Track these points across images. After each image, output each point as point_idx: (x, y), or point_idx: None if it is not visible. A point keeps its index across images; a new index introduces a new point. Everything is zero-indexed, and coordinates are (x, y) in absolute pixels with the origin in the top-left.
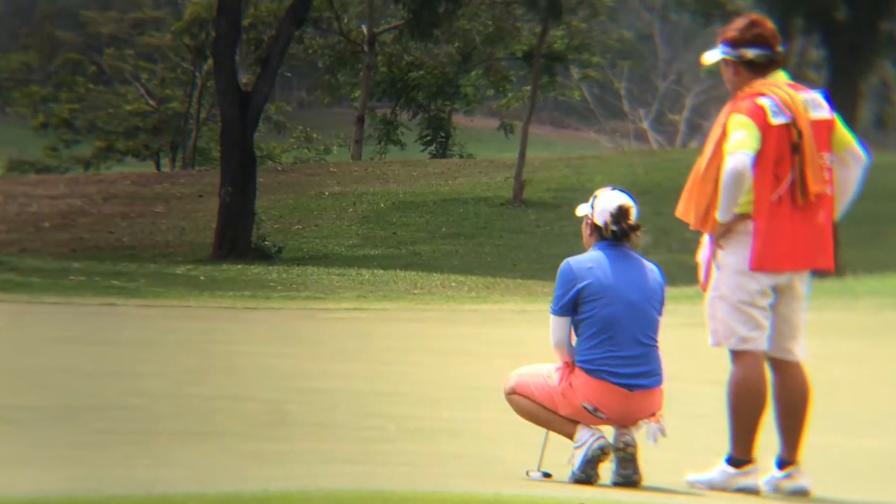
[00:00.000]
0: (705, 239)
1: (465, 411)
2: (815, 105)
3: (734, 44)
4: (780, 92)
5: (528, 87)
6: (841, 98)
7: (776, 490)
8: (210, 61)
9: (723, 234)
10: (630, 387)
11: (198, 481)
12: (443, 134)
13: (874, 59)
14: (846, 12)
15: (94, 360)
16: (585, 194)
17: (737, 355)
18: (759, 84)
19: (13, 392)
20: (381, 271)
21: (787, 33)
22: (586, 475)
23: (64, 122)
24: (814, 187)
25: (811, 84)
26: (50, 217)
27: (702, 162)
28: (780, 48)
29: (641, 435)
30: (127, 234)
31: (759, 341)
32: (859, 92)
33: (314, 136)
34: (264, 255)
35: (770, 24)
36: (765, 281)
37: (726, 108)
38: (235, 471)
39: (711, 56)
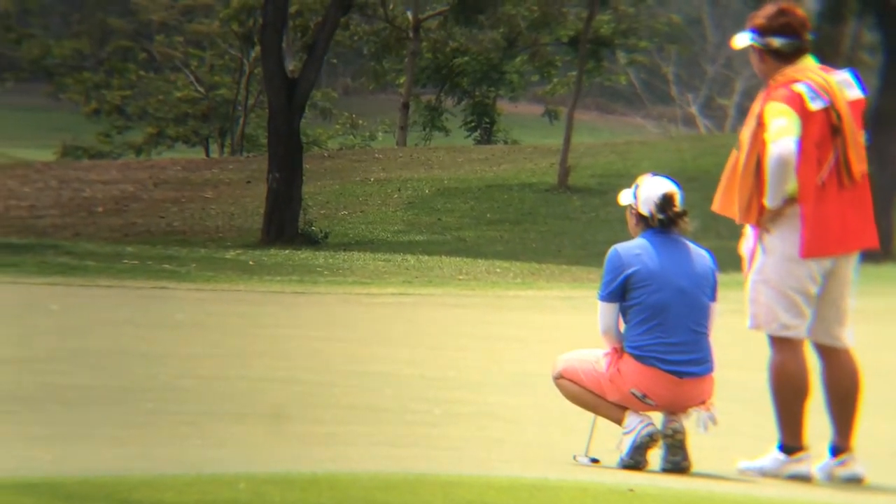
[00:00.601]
0: (748, 230)
1: (511, 396)
2: (847, 85)
3: (762, 31)
4: (814, 77)
5: (574, 73)
6: None
7: (830, 477)
8: (257, 48)
9: (771, 217)
10: (680, 374)
11: (247, 462)
12: (487, 120)
13: None
14: None
15: (147, 343)
16: (631, 180)
17: (776, 341)
18: (792, 70)
19: (69, 373)
20: (427, 257)
21: (841, 15)
22: (634, 461)
23: (116, 108)
24: (857, 167)
25: (867, 68)
26: (103, 202)
27: (740, 156)
28: (808, 36)
29: (691, 422)
30: (177, 218)
31: (800, 329)
32: None
33: (360, 122)
34: (311, 241)
35: (800, 12)
36: (815, 267)
37: (759, 97)
38: (284, 452)
39: (741, 40)
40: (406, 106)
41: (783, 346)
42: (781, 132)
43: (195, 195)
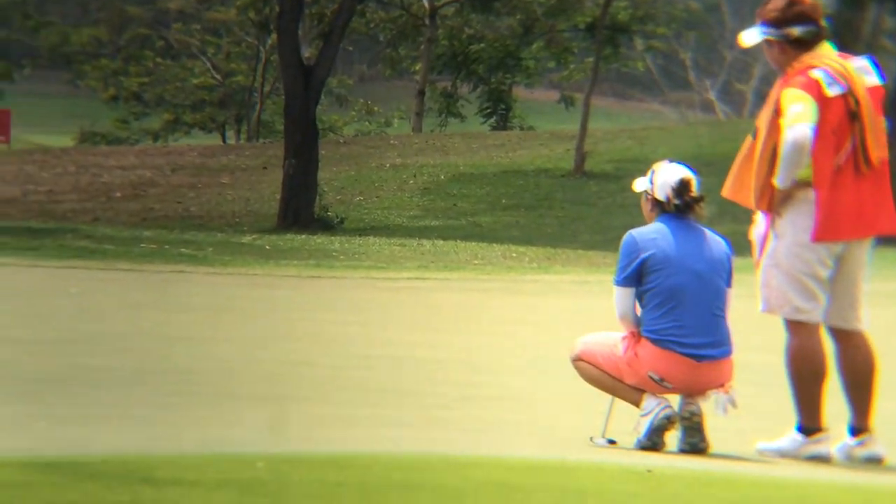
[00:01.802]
0: (759, 216)
1: (528, 379)
2: (865, 72)
3: (777, 24)
4: (831, 63)
5: (591, 59)
6: None
7: (849, 458)
8: (274, 36)
9: (782, 200)
10: (698, 357)
11: (266, 443)
12: (503, 106)
13: None
14: None
15: (166, 325)
16: (648, 166)
17: (791, 325)
18: (809, 57)
19: (92, 354)
20: (442, 242)
21: (861, 1)
22: (652, 443)
23: (133, 95)
24: (875, 153)
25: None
26: (121, 187)
27: (756, 143)
28: (823, 21)
29: (710, 405)
30: (195, 204)
31: (814, 313)
32: None
33: (375, 109)
34: (327, 226)
35: (808, 0)
36: (825, 251)
37: (777, 86)
38: (303, 433)
39: (750, 37)
40: (422, 93)
41: (799, 330)
42: (798, 118)
43: (212, 181)
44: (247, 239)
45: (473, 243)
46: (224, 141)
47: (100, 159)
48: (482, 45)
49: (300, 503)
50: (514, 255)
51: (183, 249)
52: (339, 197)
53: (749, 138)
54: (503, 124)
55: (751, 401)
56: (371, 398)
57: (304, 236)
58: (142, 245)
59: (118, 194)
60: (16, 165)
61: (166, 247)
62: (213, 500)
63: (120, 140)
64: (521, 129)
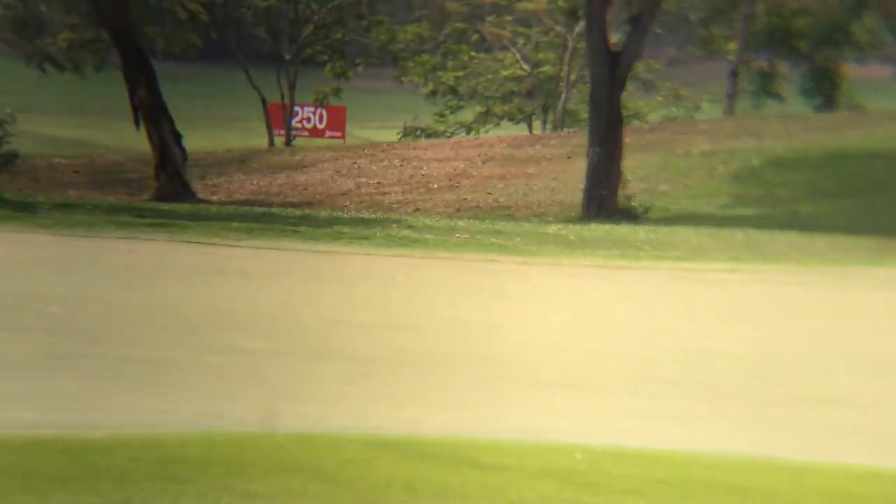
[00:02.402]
0: None
1: (863, 380)
2: None
3: None
4: None
5: None
6: None
7: None
8: (582, 23)
9: None
10: None
11: (581, 432)
12: (829, 85)
13: None
14: None
15: (482, 312)
16: None
17: None
18: None
19: (417, 339)
20: (756, 231)
21: None
22: None
23: (450, 89)
24: None
25: None
26: (438, 178)
27: None
28: None
29: None
30: (503, 194)
31: None
32: None
33: (683, 93)
34: (631, 215)
35: None
36: None
37: None
38: (614, 425)
39: None
40: (734, 73)
41: None
42: None
43: (519, 171)
44: (552, 229)
45: (792, 233)
46: (530, 131)
47: (420, 152)
48: (807, 18)
49: (619, 497)
50: (841, 246)
51: (493, 239)
52: (643, 185)
53: None
54: (829, 104)
55: None
56: (683, 392)
57: (607, 226)
58: (456, 235)
59: (435, 185)
60: (350, 159)
61: (478, 236)
62: (535, 489)
63: (437, 133)
64: (850, 108)
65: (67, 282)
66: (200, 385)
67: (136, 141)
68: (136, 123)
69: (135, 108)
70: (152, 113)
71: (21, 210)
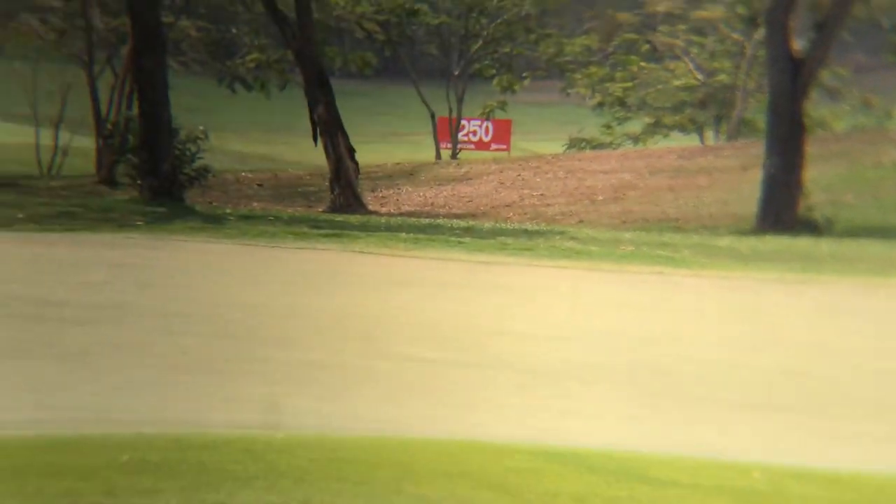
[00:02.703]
0: None
1: None
2: None
3: None
4: None
5: None
6: None
7: None
8: (761, 30)
9: None
10: None
11: (764, 452)
12: None
13: None
14: None
15: (648, 325)
16: None
17: None
18: None
19: (582, 350)
20: None
21: None
22: None
23: (618, 100)
24: None
25: None
26: (602, 190)
27: None
28: None
29: None
30: (672, 206)
31: None
32: None
33: (873, 101)
34: (811, 228)
35: None
36: None
37: None
38: (797, 445)
39: None
40: None
41: None
42: None
43: (689, 182)
44: (724, 241)
45: None
46: (702, 142)
47: (585, 164)
48: None
49: None
50: None
51: (660, 251)
52: (826, 197)
53: None
54: None
55: None
56: (870, 413)
57: (785, 239)
58: (622, 247)
59: (600, 197)
60: (515, 171)
61: (644, 248)
62: None
63: (602, 145)
64: None
65: (250, 289)
66: (371, 390)
67: (315, 156)
68: (315, 139)
69: (314, 125)
70: (329, 129)
71: (210, 221)
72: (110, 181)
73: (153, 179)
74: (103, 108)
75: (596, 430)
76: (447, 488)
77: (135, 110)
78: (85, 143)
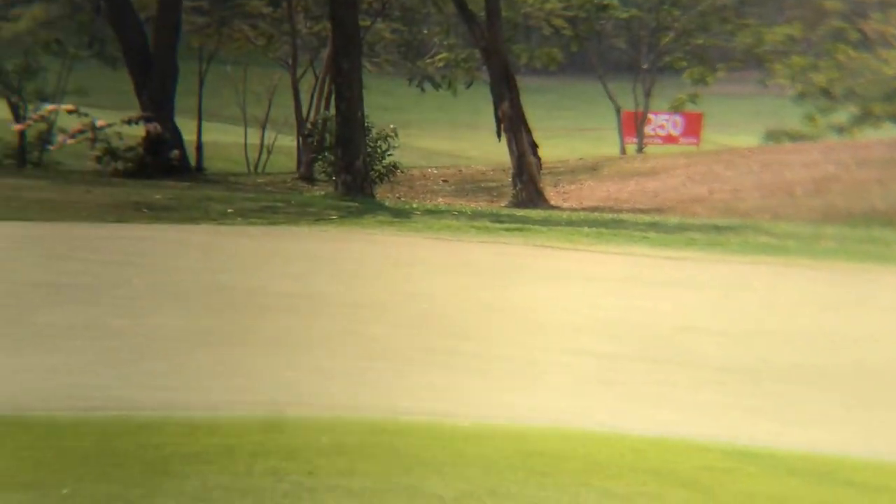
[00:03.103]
0: None
1: None
2: None
3: None
4: None
5: None
6: None
7: None
8: None
9: None
10: None
11: None
12: None
13: None
14: None
15: (854, 324)
16: None
17: None
18: None
19: (780, 350)
20: None
21: None
22: None
23: (822, 90)
24: None
25: None
26: (802, 183)
27: None
28: None
29: None
30: (882, 200)
31: None
32: None
33: None
34: None
35: None
36: None
37: None
38: None
39: None
40: None
41: None
42: None
43: None
44: None
45: None
46: None
47: (783, 157)
48: None
49: None
50: None
51: (867, 247)
52: None
53: None
54: None
55: None
56: None
57: None
58: (822, 242)
59: (799, 191)
60: (705, 165)
61: (849, 244)
62: None
63: (803, 137)
64: None
65: (435, 281)
66: (555, 384)
67: (498, 152)
68: (498, 135)
69: (498, 121)
70: (512, 125)
71: (398, 216)
72: (309, 177)
73: (347, 175)
74: (304, 108)
75: (794, 432)
76: (635, 484)
77: (332, 110)
78: (288, 142)
